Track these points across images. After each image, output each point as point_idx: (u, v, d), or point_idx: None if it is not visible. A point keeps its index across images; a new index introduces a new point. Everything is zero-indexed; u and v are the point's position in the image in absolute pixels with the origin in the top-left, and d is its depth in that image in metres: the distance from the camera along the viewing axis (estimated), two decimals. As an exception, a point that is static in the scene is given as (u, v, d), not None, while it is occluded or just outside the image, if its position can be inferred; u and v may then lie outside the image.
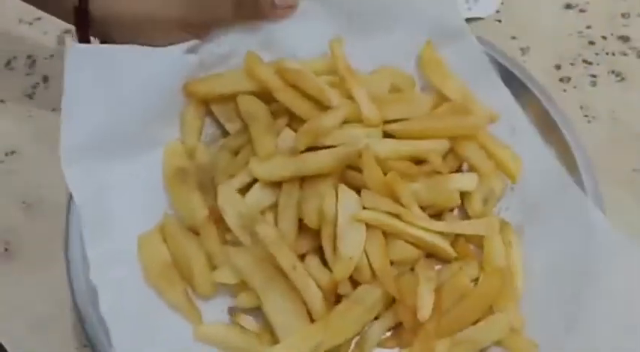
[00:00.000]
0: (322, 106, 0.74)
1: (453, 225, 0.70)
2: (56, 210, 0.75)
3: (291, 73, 0.75)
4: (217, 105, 0.78)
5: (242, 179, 0.71)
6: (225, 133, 0.79)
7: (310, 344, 0.62)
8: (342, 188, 0.68)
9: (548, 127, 0.78)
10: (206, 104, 0.78)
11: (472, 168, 0.74)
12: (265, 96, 0.77)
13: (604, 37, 0.93)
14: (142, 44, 0.74)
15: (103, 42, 0.76)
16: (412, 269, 0.69)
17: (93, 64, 0.71)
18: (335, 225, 0.67)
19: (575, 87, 0.89)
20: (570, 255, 0.69)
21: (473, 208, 0.72)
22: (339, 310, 0.65)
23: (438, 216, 0.73)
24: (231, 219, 0.68)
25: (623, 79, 0.90)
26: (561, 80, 0.90)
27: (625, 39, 0.93)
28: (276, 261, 0.65)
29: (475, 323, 0.66)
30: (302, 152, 0.70)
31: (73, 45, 0.71)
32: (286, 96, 0.74)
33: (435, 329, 0.65)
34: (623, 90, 0.89)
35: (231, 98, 0.78)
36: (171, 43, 0.75)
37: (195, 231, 0.71)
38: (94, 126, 0.71)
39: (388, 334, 0.68)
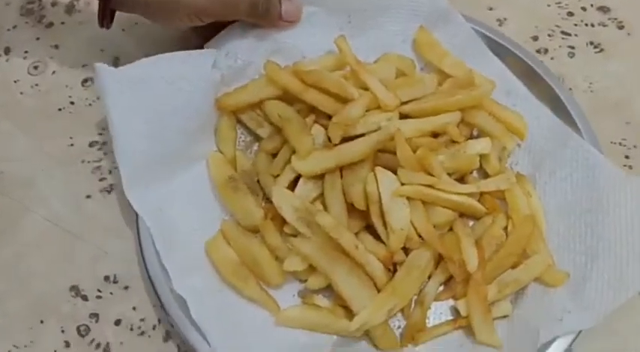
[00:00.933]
0: (343, 99, 0.82)
1: (478, 184, 0.80)
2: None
3: (311, 74, 0.83)
4: (246, 114, 0.86)
5: (287, 177, 0.79)
6: (256, 139, 0.87)
7: (384, 309, 0.71)
8: (380, 170, 0.77)
9: (535, 86, 0.89)
10: (236, 115, 0.86)
11: (483, 133, 0.84)
12: (288, 99, 0.85)
13: (583, 9, 0.92)
14: (158, 22, 0.84)
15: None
16: (450, 230, 0.79)
17: (130, 89, 0.78)
18: (380, 204, 0.76)
19: (552, 58, 0.91)
20: (580, 194, 0.80)
21: (491, 167, 0.82)
22: (399, 276, 0.74)
23: (461, 179, 0.83)
24: (287, 214, 0.76)
25: (602, 50, 0.91)
26: (538, 51, 0.93)
27: (605, 10, 0.92)
28: (337, 243, 0.74)
29: (514, 266, 0.77)
30: (336, 144, 0.79)
31: (105, 69, 0.77)
32: (311, 96, 0.82)
33: (483, 277, 0.75)
34: (602, 62, 0.88)
35: (257, 106, 0.86)
36: (184, 26, 0.84)
37: (253, 231, 0.79)
38: (144, 150, 0.78)
39: (441, 288, 0.78)
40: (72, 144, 0.88)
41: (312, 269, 0.76)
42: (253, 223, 0.78)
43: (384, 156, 0.80)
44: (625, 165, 0.87)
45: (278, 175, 0.81)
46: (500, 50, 0.90)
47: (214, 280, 0.76)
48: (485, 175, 0.84)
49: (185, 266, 0.75)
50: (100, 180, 0.85)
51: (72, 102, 0.91)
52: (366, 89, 0.83)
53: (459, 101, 0.82)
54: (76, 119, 0.90)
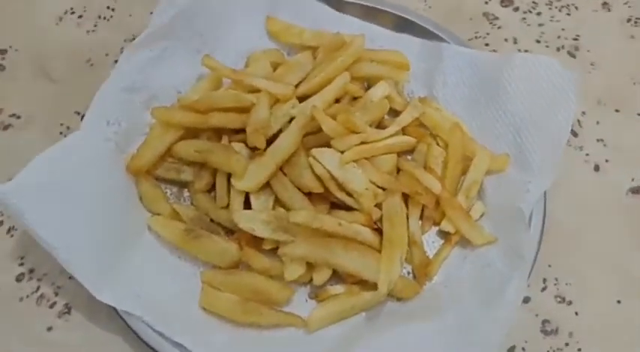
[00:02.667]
0: (243, 109, 0.82)
1: (397, 122, 0.85)
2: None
3: (201, 101, 0.82)
4: (160, 168, 0.82)
5: (238, 200, 0.78)
6: (181, 185, 0.84)
7: (396, 262, 0.74)
8: (317, 150, 0.79)
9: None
10: (150, 173, 0.82)
11: (373, 79, 0.89)
12: (190, 135, 0.83)
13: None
14: None
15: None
16: (398, 171, 0.84)
17: (38, 199, 0.71)
18: (333, 178, 0.78)
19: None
20: (476, 88, 0.88)
21: (397, 103, 0.88)
22: (387, 229, 0.77)
23: (378, 127, 0.87)
24: (262, 231, 0.75)
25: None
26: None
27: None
28: (321, 231, 0.74)
29: (464, 171, 0.84)
30: (265, 149, 0.79)
31: (4, 192, 0.70)
32: (216, 119, 0.80)
33: (448, 193, 0.81)
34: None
35: (166, 155, 0.82)
36: None
37: (233, 267, 0.77)
38: (87, 250, 0.72)
39: (420, 222, 0.82)
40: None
41: (309, 267, 0.76)
42: (233, 259, 0.76)
43: (308, 139, 0.82)
44: (491, 50, 0.98)
45: (227, 205, 0.79)
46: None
47: (228, 326, 0.73)
48: (394, 114, 0.89)
49: (197, 331, 0.71)
50: (51, 306, 0.77)
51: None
52: (256, 91, 0.84)
53: (342, 62, 0.86)
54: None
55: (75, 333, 0.76)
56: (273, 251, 0.77)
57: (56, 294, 0.78)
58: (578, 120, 0.91)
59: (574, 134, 0.90)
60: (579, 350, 0.75)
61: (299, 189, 0.79)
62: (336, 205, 0.80)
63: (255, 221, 0.75)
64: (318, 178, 0.78)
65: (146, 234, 0.78)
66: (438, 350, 0.69)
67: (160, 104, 0.85)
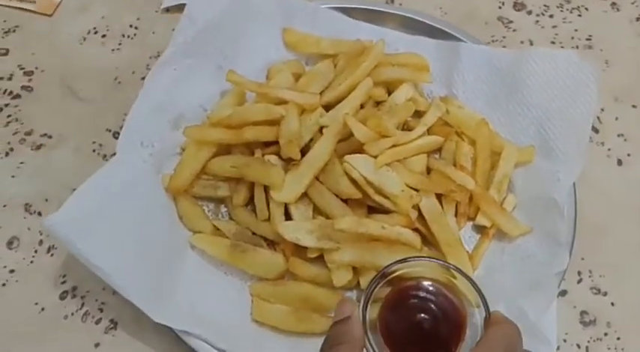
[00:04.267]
0: (273, 122, 0.83)
1: (423, 122, 0.87)
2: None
3: (234, 116, 0.83)
4: (196, 186, 0.83)
5: (278, 212, 0.79)
6: (218, 202, 0.85)
7: (465, 259, 0.78)
8: (351, 157, 0.80)
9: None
10: (188, 192, 0.83)
11: (395, 83, 0.90)
12: (222, 152, 0.84)
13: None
14: None
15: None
16: (428, 171, 0.85)
17: (87, 227, 0.71)
18: (369, 183, 0.79)
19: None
20: (495, 85, 0.90)
21: (420, 104, 0.89)
22: (436, 229, 0.79)
23: (403, 129, 0.89)
24: (307, 241, 0.76)
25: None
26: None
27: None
28: (365, 236, 0.76)
29: (493, 166, 0.86)
30: (299, 160, 0.80)
31: (54, 224, 0.70)
32: (250, 133, 0.81)
33: (481, 187, 0.83)
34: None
35: (201, 173, 0.83)
36: None
37: (279, 278, 0.78)
38: (140, 274, 0.73)
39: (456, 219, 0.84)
40: (42, 309, 0.79)
41: (355, 272, 0.77)
42: (279, 270, 0.77)
43: (340, 146, 0.83)
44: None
45: (267, 218, 0.80)
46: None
47: (283, 337, 0.75)
48: (415, 115, 0.91)
49: (256, 345, 0.73)
50: (97, 322, 0.78)
51: (11, 271, 0.81)
52: (281, 102, 0.86)
53: (365, 68, 0.87)
54: (24, 284, 0.81)
55: (122, 348, 0.77)
56: (318, 259, 0.78)
57: (101, 310, 0.79)
58: (598, 117, 0.94)
59: (595, 130, 0.93)
60: (618, 338, 0.78)
61: (336, 195, 0.81)
62: (373, 209, 0.82)
63: (300, 231, 0.77)
64: (355, 184, 0.80)
65: (189, 252, 0.79)
66: None
67: (187, 122, 0.86)
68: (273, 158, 0.82)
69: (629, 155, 0.91)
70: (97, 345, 0.77)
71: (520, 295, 0.75)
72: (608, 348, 0.77)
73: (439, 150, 0.88)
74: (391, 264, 0.73)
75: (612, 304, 0.80)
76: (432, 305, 0.74)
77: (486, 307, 0.70)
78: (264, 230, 0.80)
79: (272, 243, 0.81)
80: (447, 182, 0.82)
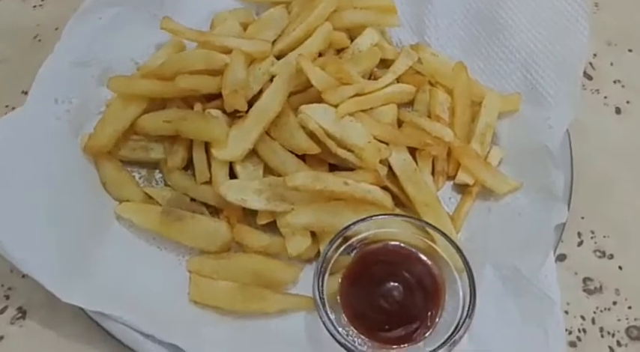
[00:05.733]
0: (216, 72, 0.71)
1: (393, 70, 0.75)
2: None
3: (168, 64, 0.70)
4: (123, 148, 0.70)
5: (222, 173, 0.66)
6: (152, 166, 0.72)
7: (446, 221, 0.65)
8: (307, 107, 0.68)
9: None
10: (112, 155, 0.69)
11: (358, 28, 0.78)
12: (155, 107, 0.71)
13: None
14: None
15: None
16: (400, 124, 0.73)
17: None
18: (330, 135, 0.67)
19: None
20: (471, 26, 0.79)
21: (388, 52, 0.77)
22: (411, 189, 0.67)
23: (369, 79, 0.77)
24: (255, 203, 0.63)
25: None
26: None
27: None
28: (324, 193, 0.63)
29: (474, 117, 0.74)
30: (245, 112, 0.68)
31: None
32: (186, 81, 0.68)
33: (461, 140, 0.71)
34: None
35: (129, 132, 0.70)
36: None
37: (223, 249, 0.65)
38: (48, 246, 0.59)
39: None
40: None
41: (315, 239, 0.65)
42: (224, 240, 0.64)
43: (294, 99, 0.71)
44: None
45: (209, 180, 0.67)
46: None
47: (228, 319, 0.61)
48: (382, 66, 0.79)
49: (191, 329, 0.59)
50: (1, 311, 0.64)
51: None
52: (227, 53, 0.73)
53: (323, 10, 0.75)
54: None
55: (32, 341, 0.63)
56: (269, 226, 0.65)
57: (7, 297, 0.65)
58: (590, 63, 0.84)
59: (588, 77, 0.82)
60: (629, 307, 0.66)
61: (291, 152, 0.68)
62: (335, 168, 0.69)
63: (246, 191, 0.64)
64: (313, 137, 0.67)
65: (115, 224, 0.66)
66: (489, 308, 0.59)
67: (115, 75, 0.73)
68: (215, 112, 0.70)
69: (628, 102, 0.80)
70: (0, 339, 0.63)
71: (510, 256, 0.62)
72: (619, 319, 0.65)
73: (411, 103, 0.77)
74: (352, 224, 0.61)
75: (620, 268, 0.68)
76: (403, 272, 0.62)
77: (470, 273, 0.58)
78: (205, 194, 0.67)
79: (215, 211, 0.68)
80: (421, 134, 0.70)
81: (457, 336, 0.56)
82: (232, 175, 0.67)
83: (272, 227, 0.65)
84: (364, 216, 0.62)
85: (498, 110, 0.74)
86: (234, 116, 0.70)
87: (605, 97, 0.80)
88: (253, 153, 0.68)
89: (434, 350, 0.56)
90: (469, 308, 0.57)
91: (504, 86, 0.76)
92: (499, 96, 0.74)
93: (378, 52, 0.76)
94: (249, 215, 0.66)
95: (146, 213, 0.65)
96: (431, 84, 0.77)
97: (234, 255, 0.64)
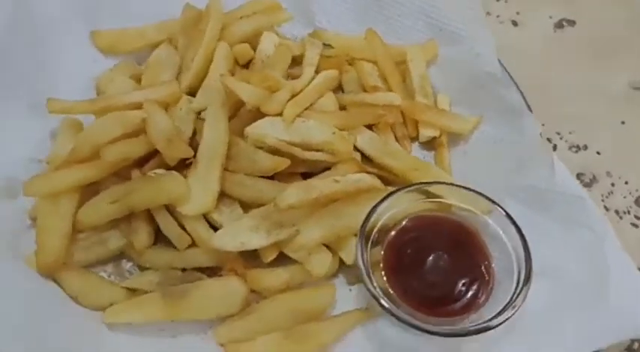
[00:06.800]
0: (136, 131, 0.62)
1: (309, 63, 0.71)
2: None
3: (81, 146, 0.60)
4: (76, 252, 0.59)
5: (202, 229, 0.58)
6: (114, 259, 0.61)
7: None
8: (253, 126, 0.61)
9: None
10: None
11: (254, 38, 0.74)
12: (87, 196, 0.61)
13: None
14: None
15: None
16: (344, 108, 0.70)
17: None
18: (291, 143, 0.62)
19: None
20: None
21: (292, 48, 0.73)
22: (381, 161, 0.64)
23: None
24: (257, 241, 0.56)
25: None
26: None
27: None
28: (319, 203, 0.58)
29: (404, 78, 0.73)
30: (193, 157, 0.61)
31: None
32: (115, 152, 0.59)
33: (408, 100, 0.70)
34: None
35: (75, 233, 0.59)
36: None
37: (245, 305, 0.57)
38: None
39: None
40: None
41: (332, 251, 0.59)
42: (243, 295, 0.55)
43: (233, 125, 0.63)
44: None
45: (191, 243, 0.59)
46: None
47: None
48: (295, 64, 0.73)
49: None
50: None
51: None
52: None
53: (211, 33, 0.69)
54: None
55: None
56: (279, 259, 0.59)
57: None
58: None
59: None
60: (626, 183, 0.69)
61: (260, 177, 0.62)
62: (309, 176, 0.64)
63: (241, 233, 0.56)
64: (274, 153, 0.62)
65: (109, 336, 0.55)
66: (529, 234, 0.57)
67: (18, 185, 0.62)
68: (157, 171, 0.62)
69: (518, 13, 0.84)
70: None
71: (516, 179, 0.62)
72: (624, 197, 0.67)
73: (340, 87, 0.74)
74: (364, 222, 0.57)
75: (598, 153, 0.71)
76: (436, 239, 0.58)
77: (503, 210, 0.57)
78: (196, 258, 0.59)
79: (213, 272, 0.60)
80: (372, 108, 0.68)
81: (527, 284, 0.53)
82: (212, 226, 0.60)
83: (282, 259, 0.58)
84: (366, 207, 0.59)
85: (424, 59, 0.73)
86: (180, 168, 0.62)
87: (498, 16, 0.84)
88: (222, 195, 0.61)
89: (512, 298, 0.53)
90: (524, 248, 0.55)
91: (414, 39, 0.76)
92: (419, 47, 0.74)
93: (287, 49, 0.72)
94: (249, 258, 0.58)
95: (142, 306, 0.55)
96: (349, 63, 0.75)
97: (261, 306, 0.57)
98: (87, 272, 0.58)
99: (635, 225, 0.65)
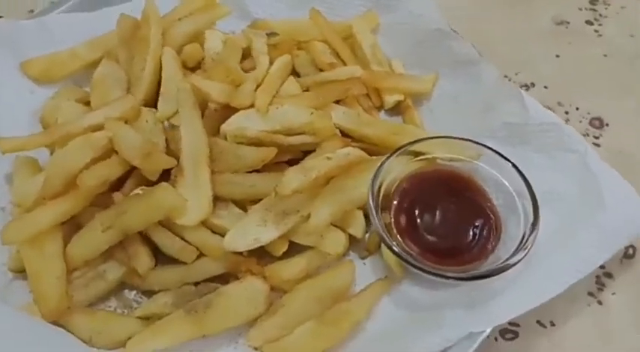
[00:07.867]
0: (106, 153, 0.58)
1: (260, 52, 0.69)
2: None
3: (53, 179, 0.56)
4: (76, 292, 0.54)
5: (207, 236, 0.56)
6: (116, 290, 0.57)
7: None
8: (227, 123, 0.60)
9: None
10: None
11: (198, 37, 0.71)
12: (72, 231, 0.57)
13: None
14: None
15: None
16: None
17: None
18: (273, 132, 0.61)
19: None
20: None
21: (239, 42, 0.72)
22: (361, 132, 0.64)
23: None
24: (268, 235, 0.54)
25: None
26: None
27: None
28: (318, 184, 0.57)
29: (354, 51, 0.73)
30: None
31: None
32: (93, 176, 0.55)
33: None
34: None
35: (70, 273, 0.55)
36: None
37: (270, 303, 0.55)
38: None
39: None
40: None
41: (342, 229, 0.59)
42: (266, 294, 0.54)
43: (207, 126, 0.62)
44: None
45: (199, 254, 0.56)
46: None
47: None
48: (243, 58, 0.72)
49: None
50: None
51: None
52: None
53: (155, 39, 0.65)
54: None
55: None
56: (291, 250, 0.57)
57: None
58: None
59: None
60: (577, 108, 0.73)
61: (249, 172, 0.60)
62: (295, 162, 0.63)
63: (251, 230, 0.55)
64: (258, 144, 0.60)
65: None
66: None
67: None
68: (140, 189, 0.58)
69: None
70: None
71: (490, 119, 0.65)
72: (580, 121, 0.72)
73: (295, 72, 0.73)
74: (372, 188, 0.57)
75: (545, 87, 0.75)
76: (438, 193, 0.59)
77: (499, 154, 0.59)
78: (206, 268, 0.56)
79: (224, 280, 0.57)
80: (335, 84, 0.68)
81: (537, 214, 0.55)
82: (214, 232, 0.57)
83: (294, 249, 0.57)
84: (363, 179, 0.59)
85: (368, 30, 0.74)
86: (166, 176, 0.59)
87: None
88: (214, 198, 0.58)
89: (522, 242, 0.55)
90: (523, 180, 0.57)
91: (352, 14, 0.77)
92: (362, 18, 0.75)
93: (235, 43, 0.70)
94: (265, 255, 0.57)
95: (166, 330, 0.52)
96: (298, 48, 0.74)
97: (285, 300, 0.55)
98: (94, 311, 0.55)
99: (597, 145, 0.70)
